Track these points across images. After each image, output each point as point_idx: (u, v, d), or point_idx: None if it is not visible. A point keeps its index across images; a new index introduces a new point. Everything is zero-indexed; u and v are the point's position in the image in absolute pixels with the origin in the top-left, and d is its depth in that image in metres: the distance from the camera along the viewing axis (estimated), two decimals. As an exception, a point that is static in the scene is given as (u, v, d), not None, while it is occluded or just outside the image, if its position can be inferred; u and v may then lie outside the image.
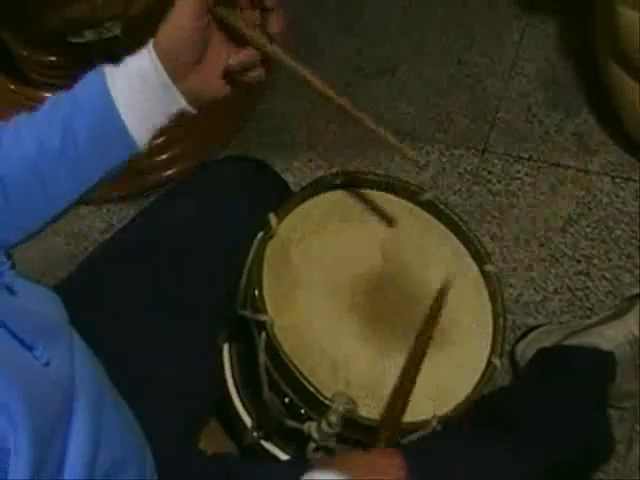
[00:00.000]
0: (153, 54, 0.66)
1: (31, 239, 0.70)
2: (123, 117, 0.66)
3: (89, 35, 1.21)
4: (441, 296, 0.79)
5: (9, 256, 0.66)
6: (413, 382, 0.74)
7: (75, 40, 1.22)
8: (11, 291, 0.59)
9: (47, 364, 0.55)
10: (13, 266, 0.63)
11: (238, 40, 0.68)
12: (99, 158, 0.67)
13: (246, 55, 0.68)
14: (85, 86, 0.67)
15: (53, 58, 1.32)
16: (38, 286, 0.68)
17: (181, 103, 0.68)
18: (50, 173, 0.66)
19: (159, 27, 0.66)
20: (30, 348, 0.55)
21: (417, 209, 0.88)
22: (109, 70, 0.67)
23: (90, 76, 0.67)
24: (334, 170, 0.86)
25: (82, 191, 0.68)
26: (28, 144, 0.66)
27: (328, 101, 0.69)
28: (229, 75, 0.69)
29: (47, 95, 1.38)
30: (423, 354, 0.75)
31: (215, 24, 0.67)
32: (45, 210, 0.69)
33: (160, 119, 0.68)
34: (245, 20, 0.67)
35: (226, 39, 0.68)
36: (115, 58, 0.68)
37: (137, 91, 0.66)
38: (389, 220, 0.85)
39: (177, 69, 0.66)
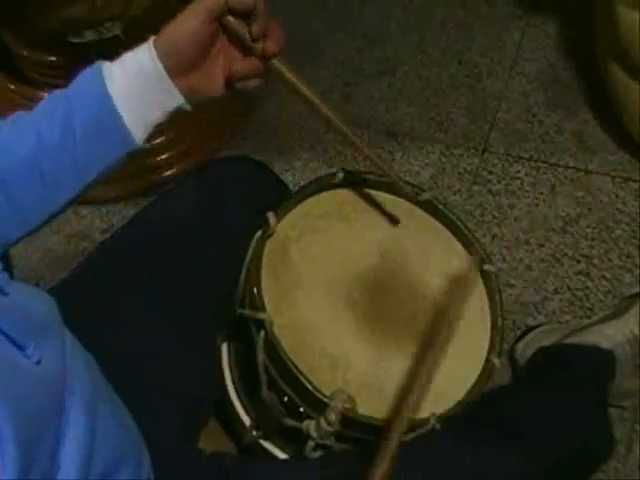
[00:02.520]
0: (153, 51, 0.66)
1: (30, 235, 0.70)
2: (120, 111, 0.66)
3: (89, 35, 1.21)
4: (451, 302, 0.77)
5: (3, 258, 0.66)
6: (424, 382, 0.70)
7: (75, 40, 1.22)
8: (3, 292, 0.59)
9: (38, 362, 0.55)
10: (7, 270, 0.63)
11: (242, 49, 0.71)
12: (97, 152, 0.67)
13: (251, 64, 0.70)
14: (82, 80, 0.68)
15: (53, 58, 1.32)
16: (28, 286, 0.67)
17: (178, 100, 0.69)
18: (49, 168, 0.66)
19: (161, 27, 0.67)
20: (21, 347, 0.54)
21: (416, 209, 0.88)
22: (106, 65, 0.67)
23: (87, 71, 0.68)
24: (334, 170, 0.86)
25: (81, 187, 0.69)
26: (28, 138, 0.66)
27: (328, 121, 0.72)
28: (229, 79, 0.71)
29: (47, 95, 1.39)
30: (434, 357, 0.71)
31: (222, 29, 0.69)
32: (44, 206, 0.69)
33: (157, 114, 0.68)
34: (251, 33, 0.69)
35: (231, 44, 0.70)
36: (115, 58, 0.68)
37: (134, 86, 0.66)
38: (392, 219, 0.85)
39: (177, 67, 0.67)
